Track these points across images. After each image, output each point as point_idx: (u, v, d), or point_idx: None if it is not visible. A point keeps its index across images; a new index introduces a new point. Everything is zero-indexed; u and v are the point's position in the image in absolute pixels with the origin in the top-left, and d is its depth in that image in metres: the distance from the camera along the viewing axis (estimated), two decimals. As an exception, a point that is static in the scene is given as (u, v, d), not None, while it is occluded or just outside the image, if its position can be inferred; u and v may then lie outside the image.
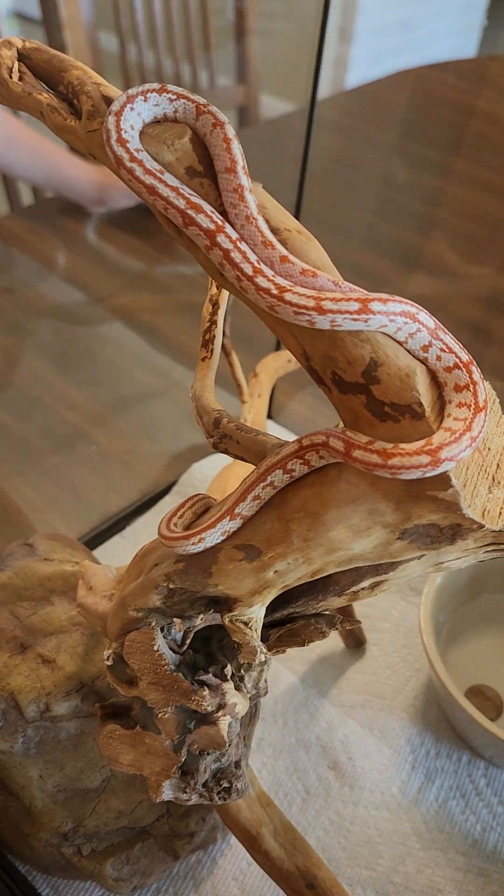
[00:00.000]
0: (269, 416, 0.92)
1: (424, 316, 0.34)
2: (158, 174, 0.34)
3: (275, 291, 0.33)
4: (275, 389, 0.87)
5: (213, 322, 0.47)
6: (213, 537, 0.39)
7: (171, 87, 0.35)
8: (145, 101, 0.35)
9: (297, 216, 0.87)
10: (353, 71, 2.54)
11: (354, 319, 0.33)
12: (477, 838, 0.60)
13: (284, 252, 0.35)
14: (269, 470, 0.38)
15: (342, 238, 1.15)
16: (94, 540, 0.79)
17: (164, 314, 1.12)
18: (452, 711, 0.62)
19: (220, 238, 0.34)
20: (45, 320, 1.11)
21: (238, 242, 0.34)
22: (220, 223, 0.34)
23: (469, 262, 1.14)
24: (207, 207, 0.34)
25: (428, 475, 0.32)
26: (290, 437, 0.91)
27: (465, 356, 0.34)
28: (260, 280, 0.33)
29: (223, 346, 0.66)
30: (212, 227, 0.34)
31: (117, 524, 0.81)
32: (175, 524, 0.40)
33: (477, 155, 1.33)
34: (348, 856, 0.59)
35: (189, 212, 0.34)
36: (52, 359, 1.04)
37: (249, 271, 0.34)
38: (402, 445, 0.33)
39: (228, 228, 0.34)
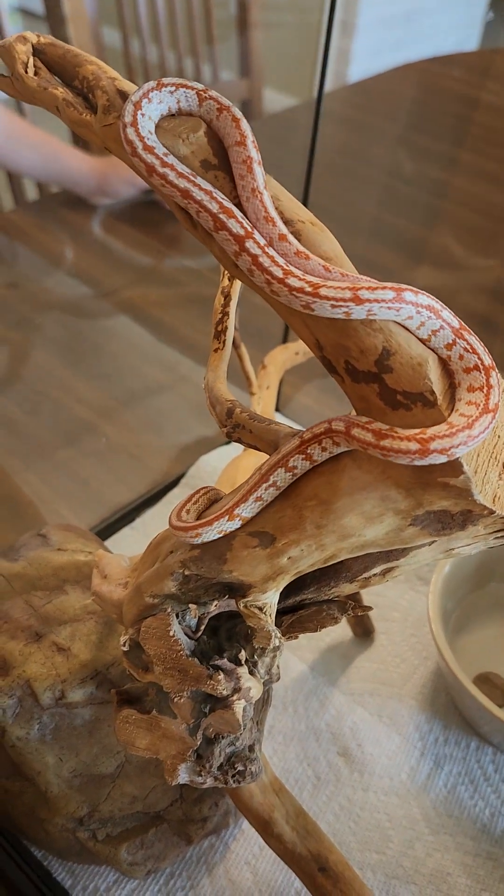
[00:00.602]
0: (277, 409, 0.93)
1: (448, 314, 0.35)
2: (192, 177, 0.34)
3: (309, 289, 0.33)
4: (282, 382, 0.88)
5: (226, 313, 0.48)
6: (209, 534, 0.40)
7: (166, 80, 0.36)
8: (150, 102, 0.35)
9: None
10: (355, 64, 2.54)
11: (389, 308, 0.33)
12: (486, 823, 0.61)
13: (284, 231, 0.35)
14: (271, 470, 0.38)
15: (349, 230, 1.16)
16: (104, 532, 0.80)
17: (170, 308, 1.12)
18: (461, 698, 0.63)
19: (249, 244, 0.34)
20: (53, 315, 1.12)
21: (266, 248, 0.34)
22: (249, 229, 0.34)
23: (475, 254, 1.14)
24: (238, 213, 0.35)
25: (416, 463, 0.33)
26: (298, 429, 0.91)
27: (487, 360, 0.34)
28: (292, 281, 0.34)
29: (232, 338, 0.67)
30: (241, 232, 0.34)
31: (127, 516, 0.82)
32: (188, 510, 0.41)
33: (482, 147, 1.34)
34: (358, 840, 0.59)
35: (221, 216, 0.34)
36: (60, 353, 1.04)
37: (280, 274, 0.34)
38: (398, 429, 0.33)
39: (257, 234, 0.35)
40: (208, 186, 0.35)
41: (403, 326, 0.35)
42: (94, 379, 1.01)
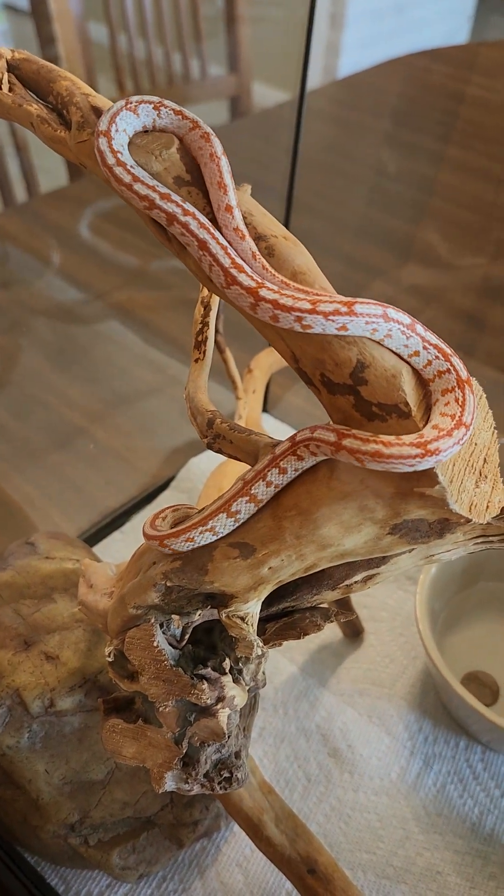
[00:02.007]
0: (265, 410, 0.93)
1: (457, 361, 0.35)
2: (210, 228, 0.35)
3: (344, 309, 0.33)
4: (270, 383, 0.88)
5: (205, 324, 0.48)
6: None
7: (102, 122, 0.36)
8: (112, 141, 0.36)
9: (289, 206, 0.88)
10: (344, 57, 2.53)
11: (402, 333, 0.35)
12: (475, 821, 0.61)
13: (233, 203, 0.36)
14: (211, 514, 0.38)
15: (335, 228, 1.16)
16: (94, 536, 0.80)
17: (159, 310, 1.12)
18: (449, 698, 0.63)
19: (263, 292, 0.34)
20: (42, 318, 1.11)
21: (283, 289, 0.35)
22: (259, 280, 0.35)
23: (462, 250, 1.14)
24: (248, 268, 0.35)
25: (334, 456, 0.34)
26: (287, 430, 0.92)
27: (468, 418, 0.34)
28: (323, 307, 0.34)
29: (217, 343, 0.67)
30: (252, 284, 0.35)
31: (117, 520, 0.82)
32: (164, 516, 0.42)
33: (469, 142, 1.33)
34: (349, 841, 0.60)
35: (232, 271, 0.35)
36: (50, 357, 1.04)
37: (308, 306, 0.34)
38: (331, 423, 0.35)
39: (268, 283, 0.35)
40: (224, 241, 0.35)
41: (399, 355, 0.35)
42: (83, 382, 1.01)
